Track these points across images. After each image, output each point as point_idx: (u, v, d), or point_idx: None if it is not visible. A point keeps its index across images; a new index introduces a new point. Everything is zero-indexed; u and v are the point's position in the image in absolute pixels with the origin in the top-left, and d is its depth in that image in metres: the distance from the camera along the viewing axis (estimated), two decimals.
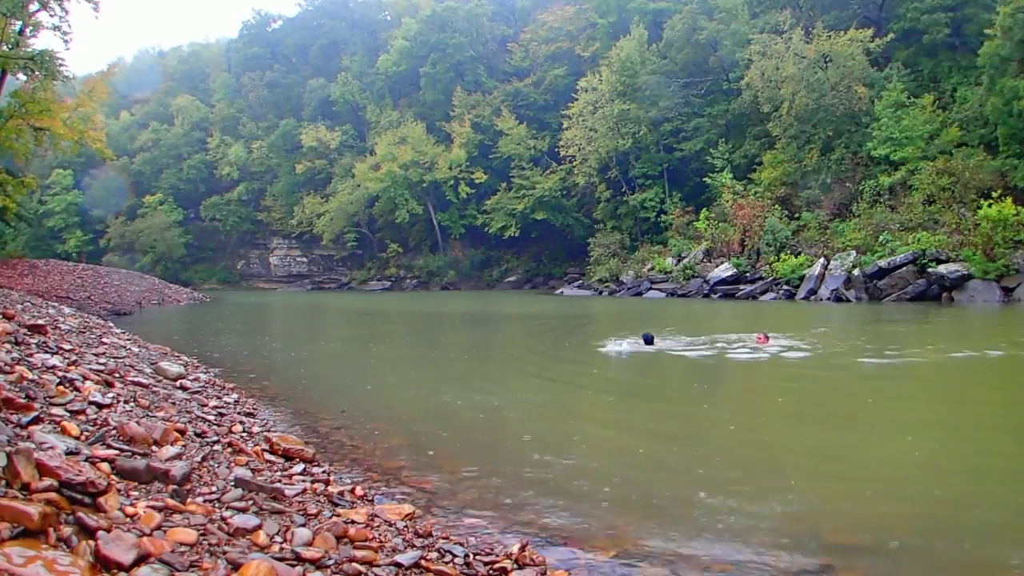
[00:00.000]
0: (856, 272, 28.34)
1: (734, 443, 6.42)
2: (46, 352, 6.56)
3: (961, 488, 5.02)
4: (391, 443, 6.36)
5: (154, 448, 4.28)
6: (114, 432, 4.27)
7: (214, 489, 3.90)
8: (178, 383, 7.66)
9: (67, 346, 7.50)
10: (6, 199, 31.74)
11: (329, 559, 3.22)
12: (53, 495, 2.79)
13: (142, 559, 2.65)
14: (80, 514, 2.77)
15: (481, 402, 8.66)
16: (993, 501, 4.70)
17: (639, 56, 43.44)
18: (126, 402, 5.41)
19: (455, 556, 3.56)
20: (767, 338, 12.43)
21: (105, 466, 3.59)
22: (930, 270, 26.44)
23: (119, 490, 3.32)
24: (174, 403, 6.25)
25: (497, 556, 3.62)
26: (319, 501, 4.18)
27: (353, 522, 3.80)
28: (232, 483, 4.02)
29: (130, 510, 3.10)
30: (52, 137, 30.71)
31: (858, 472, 5.46)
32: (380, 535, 3.72)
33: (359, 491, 4.61)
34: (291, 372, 11.37)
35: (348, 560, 3.24)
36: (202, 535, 3.10)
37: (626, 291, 37.57)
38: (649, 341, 12.39)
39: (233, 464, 4.60)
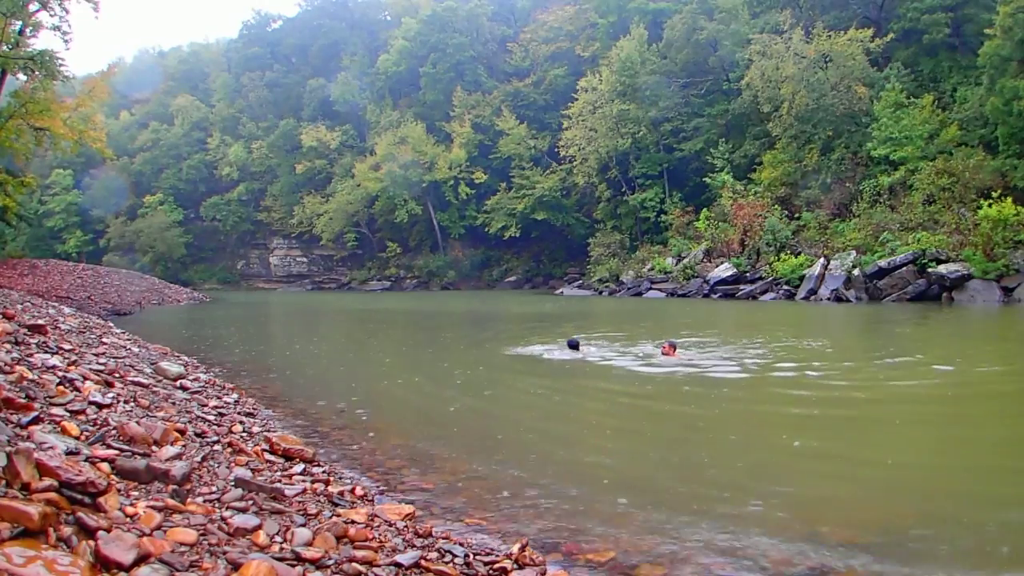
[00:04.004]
0: (856, 272, 28.33)
1: (733, 446, 6.43)
2: (46, 352, 6.56)
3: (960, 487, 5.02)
4: (391, 443, 6.36)
5: (154, 448, 4.28)
6: (114, 432, 4.27)
7: (214, 489, 3.90)
8: (178, 383, 7.65)
9: (67, 346, 7.50)
10: (6, 199, 31.77)
11: (329, 559, 3.22)
12: (53, 495, 2.79)
13: (142, 559, 2.65)
14: (80, 514, 2.77)
15: (481, 402, 8.66)
16: (993, 499, 4.70)
17: (639, 56, 43.47)
18: (126, 402, 5.41)
19: (455, 556, 3.56)
20: (674, 349, 10.96)
21: (105, 466, 3.59)
22: (930, 270, 26.44)
23: (119, 490, 3.32)
24: (174, 403, 6.24)
25: (497, 556, 3.62)
26: (319, 501, 4.18)
27: (353, 522, 3.80)
28: (232, 483, 4.02)
29: (130, 510, 3.10)
30: (52, 137, 30.73)
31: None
32: (380, 535, 3.72)
33: (359, 491, 4.61)
34: (291, 372, 11.37)
35: (348, 560, 3.23)
36: (202, 535, 3.10)
37: (626, 291, 37.57)
38: (574, 347, 11.74)
39: (233, 464, 4.60)
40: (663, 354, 11.02)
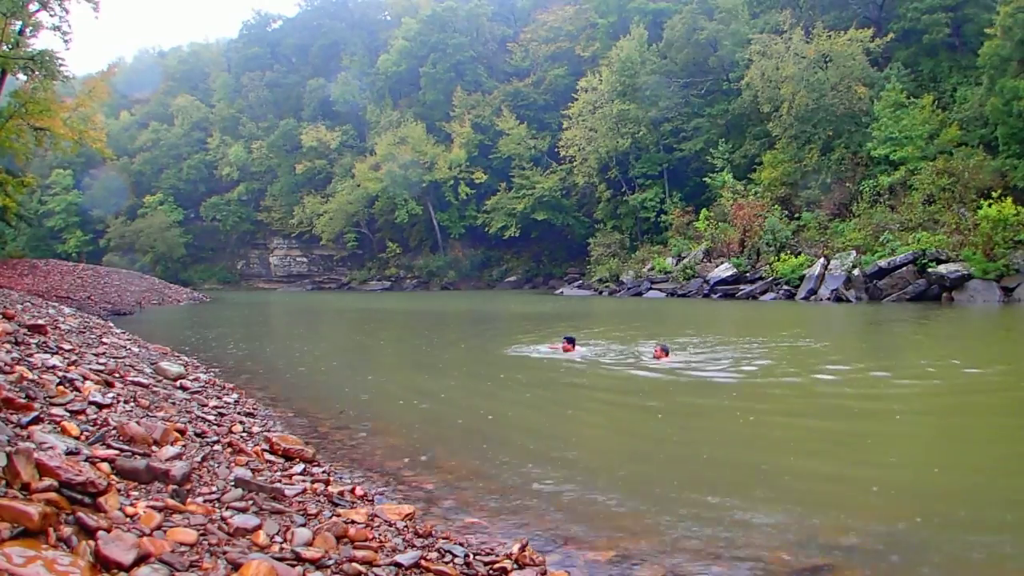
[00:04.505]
0: (856, 272, 28.34)
1: (732, 446, 6.42)
2: (46, 352, 6.56)
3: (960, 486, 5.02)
4: (391, 443, 6.36)
5: (154, 448, 4.28)
6: (114, 432, 4.27)
7: (214, 489, 3.90)
8: (178, 383, 7.65)
9: (67, 346, 7.49)
10: (6, 199, 31.78)
11: (329, 559, 3.22)
12: (53, 495, 2.79)
13: (142, 559, 2.65)
14: (80, 514, 2.77)
15: (481, 402, 8.66)
16: (992, 499, 4.70)
17: (639, 56, 43.49)
18: (126, 402, 5.41)
19: (455, 556, 3.56)
20: (666, 352, 10.89)
21: (105, 466, 3.59)
22: (930, 270, 26.44)
23: (119, 490, 3.32)
24: (174, 403, 6.25)
25: (497, 556, 3.62)
26: (319, 501, 4.18)
27: (353, 522, 3.80)
28: (232, 483, 4.02)
29: (130, 510, 3.10)
30: (52, 137, 30.74)
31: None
32: (380, 535, 3.72)
33: (359, 491, 4.60)
34: (291, 372, 11.37)
35: (348, 560, 3.23)
36: (202, 535, 3.09)
37: (626, 291, 37.57)
38: (570, 342, 11.71)
39: (233, 464, 4.60)
40: (655, 358, 10.93)
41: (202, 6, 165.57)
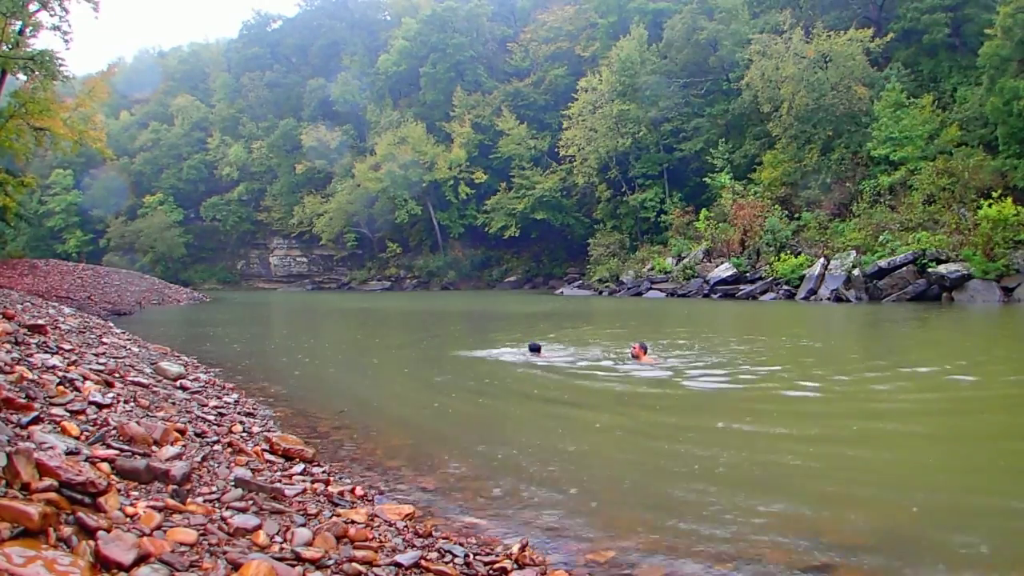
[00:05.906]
0: (856, 272, 28.33)
1: (732, 445, 6.42)
2: (46, 352, 6.56)
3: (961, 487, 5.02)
4: (391, 443, 6.36)
5: (154, 448, 4.28)
6: (114, 432, 4.27)
7: (214, 489, 3.90)
8: (178, 383, 7.65)
9: (67, 346, 7.50)
10: (6, 199, 31.78)
11: (329, 559, 3.22)
12: (53, 495, 2.79)
13: (142, 559, 2.65)
14: (80, 514, 2.77)
15: (481, 402, 8.66)
16: (992, 499, 4.70)
17: (639, 56, 43.48)
18: (126, 402, 5.41)
19: (455, 556, 3.56)
20: (644, 351, 10.46)
21: (105, 466, 3.59)
22: (930, 270, 26.43)
23: (119, 490, 3.32)
24: (174, 403, 6.25)
25: (497, 556, 3.62)
26: (319, 501, 4.18)
27: (353, 522, 3.80)
28: (232, 483, 4.02)
29: (130, 510, 3.10)
30: (52, 137, 30.74)
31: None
32: (380, 535, 3.72)
33: (359, 491, 4.61)
34: (291, 372, 11.36)
35: (348, 560, 3.23)
36: (202, 535, 3.10)
37: (626, 291, 37.57)
38: (535, 350, 11.60)
39: (233, 464, 4.60)
40: (632, 356, 10.62)
41: (202, 6, 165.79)
